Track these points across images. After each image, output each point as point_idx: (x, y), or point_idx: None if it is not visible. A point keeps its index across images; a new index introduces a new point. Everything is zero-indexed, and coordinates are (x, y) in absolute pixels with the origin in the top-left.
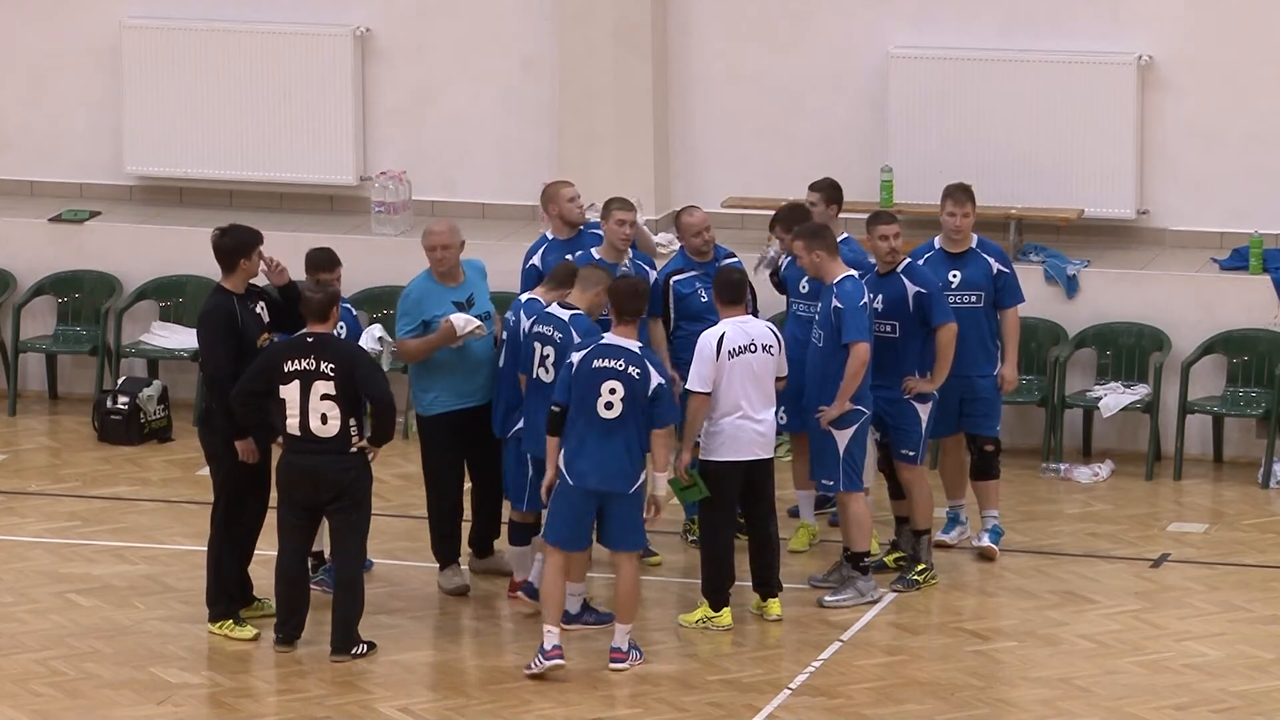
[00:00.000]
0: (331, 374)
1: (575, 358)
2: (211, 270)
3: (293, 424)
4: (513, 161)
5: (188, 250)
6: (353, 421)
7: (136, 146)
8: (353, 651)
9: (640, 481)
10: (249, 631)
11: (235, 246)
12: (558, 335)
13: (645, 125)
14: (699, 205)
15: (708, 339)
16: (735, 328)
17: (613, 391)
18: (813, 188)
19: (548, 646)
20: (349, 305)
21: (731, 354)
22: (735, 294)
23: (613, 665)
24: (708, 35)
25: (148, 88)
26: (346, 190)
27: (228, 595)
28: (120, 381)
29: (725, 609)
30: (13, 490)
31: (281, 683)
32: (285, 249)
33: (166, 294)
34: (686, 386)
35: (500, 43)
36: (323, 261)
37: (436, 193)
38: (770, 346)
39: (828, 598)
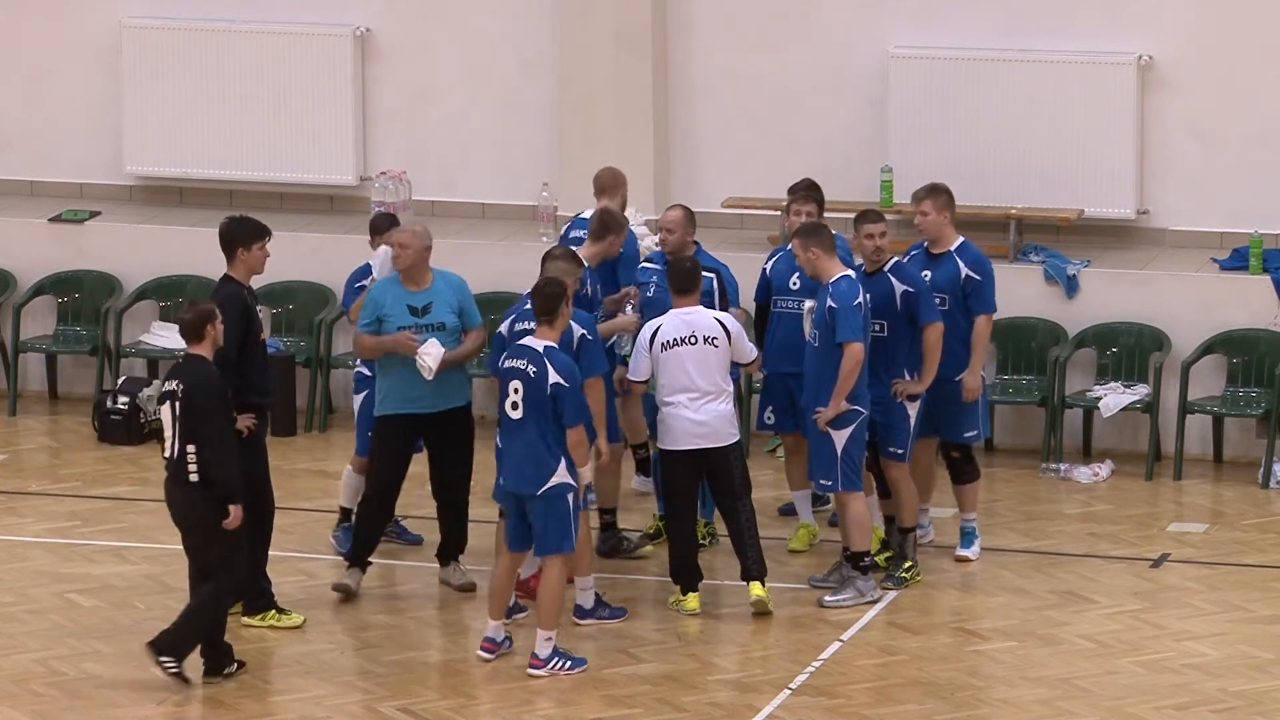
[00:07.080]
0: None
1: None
2: (210, 270)
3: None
4: (513, 161)
5: (188, 250)
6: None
7: (136, 146)
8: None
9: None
10: (296, 619)
11: (234, 236)
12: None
13: (645, 125)
14: (698, 206)
15: (644, 331)
16: (675, 320)
17: None
18: (794, 194)
19: None
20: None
21: (665, 346)
22: (684, 283)
23: None
24: (708, 35)
25: (148, 88)
26: (346, 190)
27: (259, 588)
28: (120, 381)
29: (692, 594)
30: (13, 490)
31: (281, 683)
32: (285, 249)
33: (166, 294)
34: (629, 375)
35: (500, 43)
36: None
37: (436, 193)
38: (714, 338)
39: (828, 598)
